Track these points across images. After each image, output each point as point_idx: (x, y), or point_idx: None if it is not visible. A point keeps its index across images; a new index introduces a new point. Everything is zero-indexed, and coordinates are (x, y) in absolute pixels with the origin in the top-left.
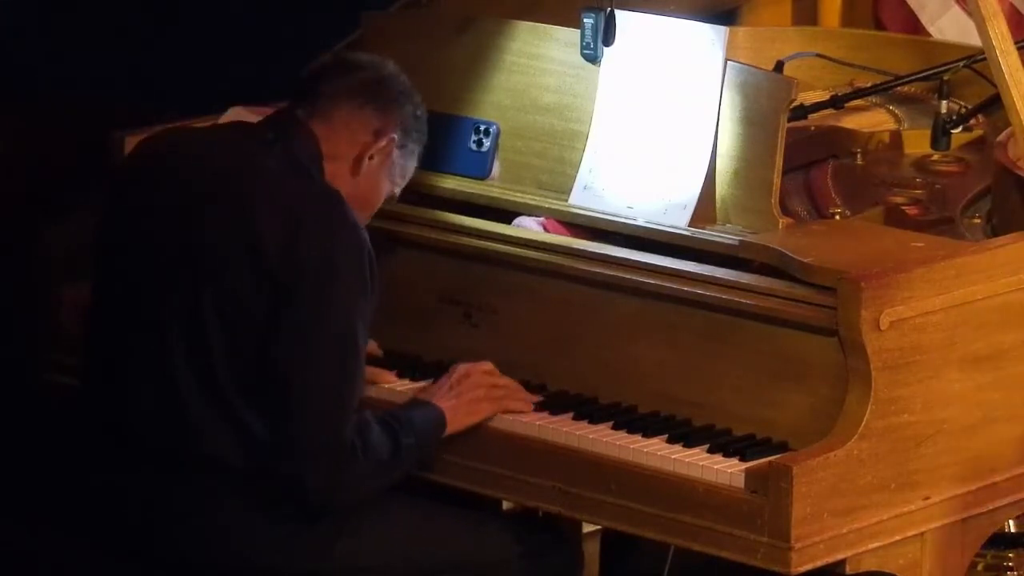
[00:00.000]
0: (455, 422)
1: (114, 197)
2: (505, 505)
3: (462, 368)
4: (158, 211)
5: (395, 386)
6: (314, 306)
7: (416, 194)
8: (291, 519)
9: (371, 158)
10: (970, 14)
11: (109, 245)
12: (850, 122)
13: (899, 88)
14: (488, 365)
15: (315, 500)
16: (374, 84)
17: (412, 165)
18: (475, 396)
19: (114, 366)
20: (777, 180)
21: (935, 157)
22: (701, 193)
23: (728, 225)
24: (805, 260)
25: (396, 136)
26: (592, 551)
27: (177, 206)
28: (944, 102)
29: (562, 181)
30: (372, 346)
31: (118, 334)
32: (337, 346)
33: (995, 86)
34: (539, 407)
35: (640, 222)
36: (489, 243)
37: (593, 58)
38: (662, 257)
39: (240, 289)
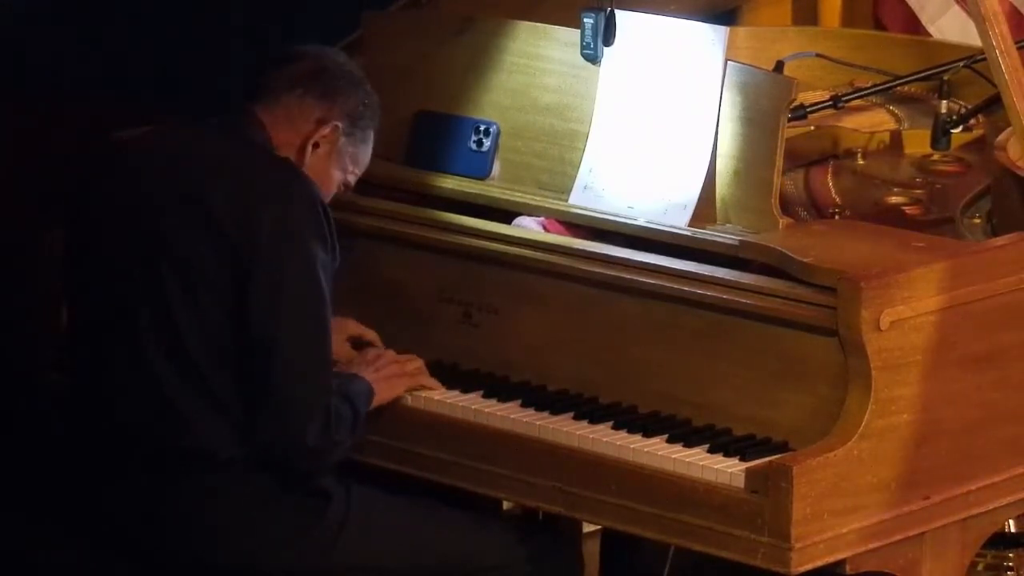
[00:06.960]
0: (380, 394)
1: (78, 203)
2: (505, 505)
3: (372, 350)
4: (117, 207)
5: None
6: (278, 267)
7: (416, 194)
8: (291, 518)
9: (315, 146)
10: (970, 14)
11: (77, 247)
12: (850, 122)
13: (899, 88)
14: (391, 351)
15: (309, 463)
16: (315, 73)
17: (365, 152)
18: (391, 372)
19: (96, 364)
20: (777, 180)
21: (935, 157)
22: (701, 193)
23: (728, 225)
24: (805, 260)
25: (341, 124)
26: (592, 551)
27: (134, 196)
28: (944, 102)
29: (562, 181)
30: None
31: (97, 332)
32: (306, 301)
33: (995, 86)
34: (539, 407)
35: (640, 222)
36: (489, 243)
37: (593, 58)
38: (662, 257)
39: (202, 264)
